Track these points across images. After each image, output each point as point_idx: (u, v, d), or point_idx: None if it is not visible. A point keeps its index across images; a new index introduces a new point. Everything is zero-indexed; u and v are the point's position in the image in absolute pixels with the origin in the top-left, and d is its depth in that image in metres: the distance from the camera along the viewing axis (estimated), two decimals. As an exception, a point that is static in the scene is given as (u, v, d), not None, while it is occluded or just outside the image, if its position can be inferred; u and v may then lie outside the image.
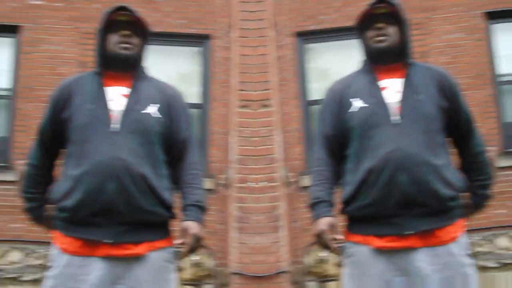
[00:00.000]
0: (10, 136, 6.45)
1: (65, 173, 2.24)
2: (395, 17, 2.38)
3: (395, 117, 2.24)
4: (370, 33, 2.40)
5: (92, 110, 2.24)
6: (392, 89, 2.33)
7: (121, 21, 2.36)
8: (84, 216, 2.16)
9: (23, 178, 2.40)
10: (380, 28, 2.36)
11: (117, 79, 2.36)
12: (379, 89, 2.33)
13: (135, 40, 2.38)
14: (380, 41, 2.36)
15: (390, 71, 2.37)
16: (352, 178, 2.27)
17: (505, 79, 6.68)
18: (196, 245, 2.30)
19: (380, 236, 2.21)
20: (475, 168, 2.41)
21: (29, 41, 6.72)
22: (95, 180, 2.11)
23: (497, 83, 6.63)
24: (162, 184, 2.26)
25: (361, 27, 2.45)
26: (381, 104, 2.28)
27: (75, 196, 2.14)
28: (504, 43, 6.78)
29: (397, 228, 2.17)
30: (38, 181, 2.39)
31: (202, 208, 2.36)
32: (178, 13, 7.08)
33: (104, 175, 2.12)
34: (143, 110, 2.29)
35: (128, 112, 2.26)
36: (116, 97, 2.31)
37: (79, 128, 2.22)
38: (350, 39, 6.48)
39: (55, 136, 2.33)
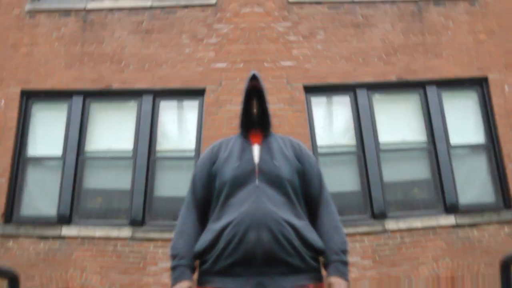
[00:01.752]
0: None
1: (209, 227, 2.34)
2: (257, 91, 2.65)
3: (256, 178, 2.37)
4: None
5: (238, 166, 2.39)
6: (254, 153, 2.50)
7: (254, 89, 2.66)
8: (225, 266, 2.21)
9: (176, 236, 2.45)
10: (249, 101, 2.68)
11: (256, 138, 2.57)
12: (249, 152, 2.51)
13: (265, 105, 2.69)
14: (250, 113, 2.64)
15: (254, 137, 2.60)
16: (208, 235, 2.32)
17: (323, 151, 7.05)
18: None
19: None
20: (328, 235, 2.42)
21: (213, 102, 7.07)
22: (237, 230, 2.21)
23: (317, 154, 6.99)
24: (305, 233, 2.31)
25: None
26: (246, 166, 2.43)
27: (217, 247, 2.23)
28: (320, 116, 7.23)
29: (259, 285, 2.19)
30: (191, 243, 2.42)
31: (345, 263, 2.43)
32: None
33: (246, 225, 2.21)
34: (277, 164, 2.41)
35: (264, 165, 2.41)
36: (257, 153, 2.48)
37: (224, 183, 2.35)
38: None
39: (205, 195, 2.47)
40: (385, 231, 6.71)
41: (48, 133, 7.41)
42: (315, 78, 7.27)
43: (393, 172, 7.07)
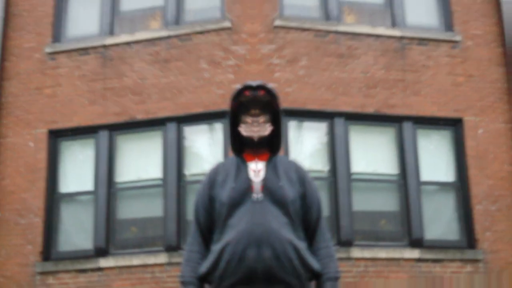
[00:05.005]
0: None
1: (211, 248, 2.61)
2: (270, 105, 2.69)
3: (257, 194, 2.56)
4: (245, 118, 2.69)
5: (234, 187, 2.61)
6: (256, 169, 2.66)
7: (248, 101, 2.68)
8: (229, 285, 2.48)
9: (184, 263, 2.70)
10: (255, 115, 2.66)
11: (254, 155, 2.74)
12: (244, 172, 2.66)
13: (266, 118, 2.72)
14: (254, 131, 2.66)
15: (257, 155, 2.71)
16: (210, 257, 2.56)
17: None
18: None
19: None
20: (323, 262, 2.63)
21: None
22: (236, 249, 2.44)
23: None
24: (305, 255, 2.55)
25: (236, 110, 2.72)
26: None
27: (219, 268, 2.49)
28: (296, 141, 7.88)
29: None
30: (197, 268, 2.68)
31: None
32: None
33: (244, 243, 2.44)
34: (282, 184, 2.63)
35: (270, 184, 2.62)
36: (256, 170, 2.69)
37: (222, 205, 2.59)
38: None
39: (208, 220, 2.69)
40: (349, 258, 7.24)
41: (77, 169, 8.10)
42: (295, 103, 7.79)
43: (363, 201, 7.65)
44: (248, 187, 2.59)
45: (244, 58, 7.99)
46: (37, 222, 7.81)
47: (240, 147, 2.76)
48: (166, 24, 8.48)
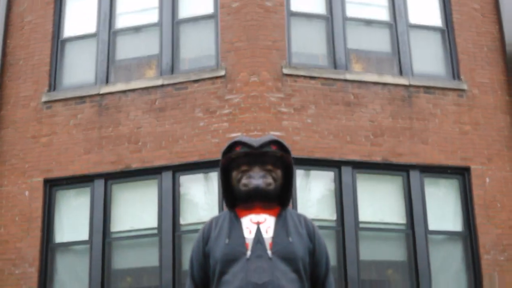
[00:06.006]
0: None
1: None
2: (281, 161, 2.76)
3: (268, 251, 2.58)
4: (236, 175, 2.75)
5: (228, 243, 2.64)
6: (266, 224, 2.68)
7: (239, 156, 2.79)
8: None
9: None
10: (269, 170, 2.72)
11: (248, 209, 2.78)
12: (238, 228, 2.68)
13: (274, 173, 2.79)
14: (268, 184, 2.70)
15: (265, 209, 2.72)
16: None
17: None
18: None
19: None
20: None
21: (232, 172, 7.81)
22: None
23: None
24: None
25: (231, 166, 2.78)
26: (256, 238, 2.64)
27: None
28: (303, 189, 8.03)
29: None
30: None
31: None
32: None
33: None
34: (292, 240, 2.66)
35: (279, 240, 2.65)
36: (250, 226, 2.72)
37: (216, 261, 2.63)
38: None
39: (203, 276, 2.74)
40: None
41: (73, 219, 8.19)
42: (302, 151, 7.91)
43: (370, 251, 7.73)
44: (242, 244, 2.62)
45: (239, 107, 8.16)
46: (32, 272, 7.85)
47: (233, 201, 2.80)
48: (161, 73, 8.67)
